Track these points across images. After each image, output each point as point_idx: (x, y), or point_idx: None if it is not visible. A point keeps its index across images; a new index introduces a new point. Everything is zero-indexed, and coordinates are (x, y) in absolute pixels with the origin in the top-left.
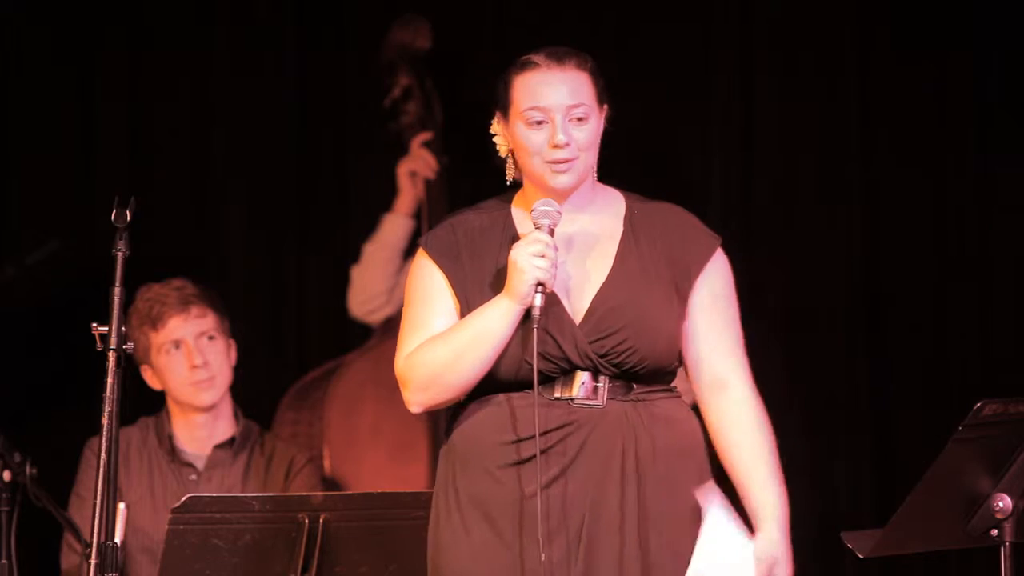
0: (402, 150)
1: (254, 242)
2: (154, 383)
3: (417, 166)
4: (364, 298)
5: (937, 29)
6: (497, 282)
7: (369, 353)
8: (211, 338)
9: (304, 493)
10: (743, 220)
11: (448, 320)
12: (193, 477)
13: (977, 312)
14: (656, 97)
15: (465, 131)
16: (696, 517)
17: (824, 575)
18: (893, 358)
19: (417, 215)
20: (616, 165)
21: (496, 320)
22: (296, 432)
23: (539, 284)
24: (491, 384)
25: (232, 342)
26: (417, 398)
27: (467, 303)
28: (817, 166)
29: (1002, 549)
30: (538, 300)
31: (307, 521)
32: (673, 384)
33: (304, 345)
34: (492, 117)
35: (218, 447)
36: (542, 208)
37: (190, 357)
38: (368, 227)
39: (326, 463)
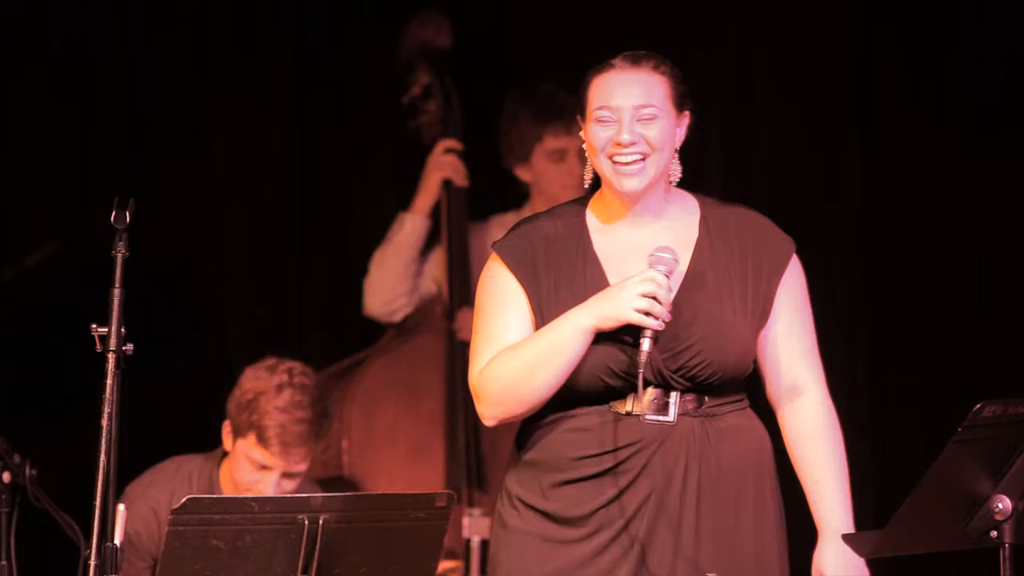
0: (423, 149)
1: (254, 242)
2: (226, 444)
3: (449, 174)
4: (388, 298)
5: (937, 29)
6: (574, 298)
7: (388, 354)
8: (292, 477)
9: (304, 494)
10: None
11: (522, 331)
12: None
13: (977, 312)
14: None
15: (483, 129)
16: (760, 531)
17: None
18: (893, 358)
19: (434, 214)
20: None
21: (569, 336)
22: None
23: (650, 330)
24: (564, 399)
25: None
26: (492, 412)
27: (542, 316)
28: (817, 166)
29: (1002, 550)
30: (646, 345)
31: (307, 522)
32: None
33: (304, 345)
34: (506, 116)
35: None
36: (658, 255)
37: (259, 485)
38: (368, 227)
39: (344, 459)
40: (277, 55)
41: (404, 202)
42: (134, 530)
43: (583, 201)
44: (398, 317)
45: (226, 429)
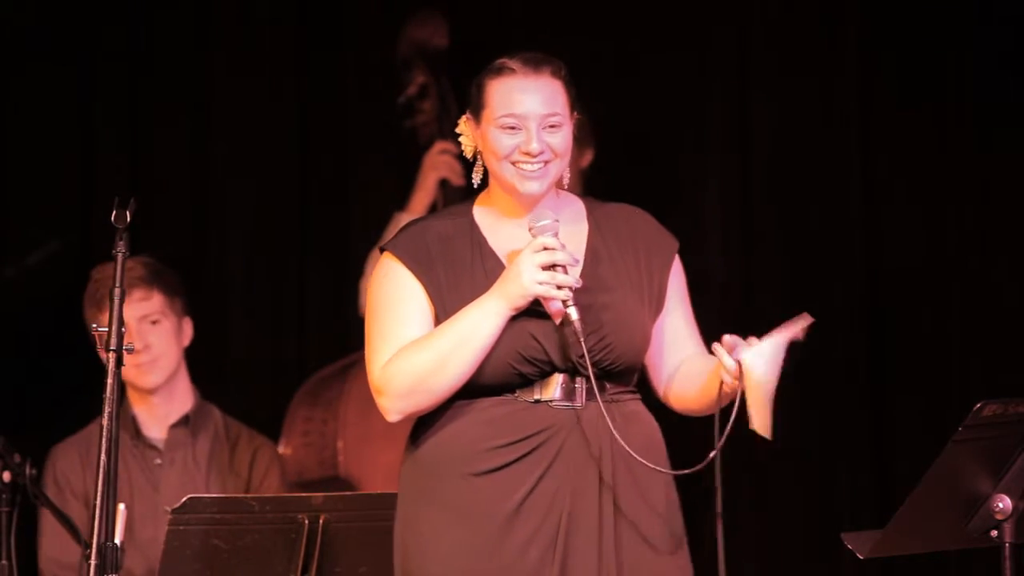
0: (417, 149)
1: (254, 242)
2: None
3: (447, 174)
4: None
5: (937, 29)
6: (474, 290)
7: None
8: (154, 322)
9: (304, 494)
10: (742, 221)
11: (422, 327)
12: (158, 461)
13: (977, 312)
14: (655, 98)
15: None
16: (665, 515)
17: (824, 575)
18: (893, 358)
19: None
20: (616, 165)
21: (484, 323)
22: (308, 430)
23: (566, 300)
24: (468, 390)
25: (186, 320)
26: (397, 406)
27: (444, 311)
28: (817, 166)
29: (1002, 550)
30: (574, 315)
31: (307, 522)
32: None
33: (304, 345)
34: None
35: (174, 427)
36: (539, 224)
37: (137, 345)
38: (368, 227)
39: (340, 458)
40: (277, 55)
41: (401, 202)
42: (63, 475)
43: (467, 203)
44: None
45: (102, 353)
